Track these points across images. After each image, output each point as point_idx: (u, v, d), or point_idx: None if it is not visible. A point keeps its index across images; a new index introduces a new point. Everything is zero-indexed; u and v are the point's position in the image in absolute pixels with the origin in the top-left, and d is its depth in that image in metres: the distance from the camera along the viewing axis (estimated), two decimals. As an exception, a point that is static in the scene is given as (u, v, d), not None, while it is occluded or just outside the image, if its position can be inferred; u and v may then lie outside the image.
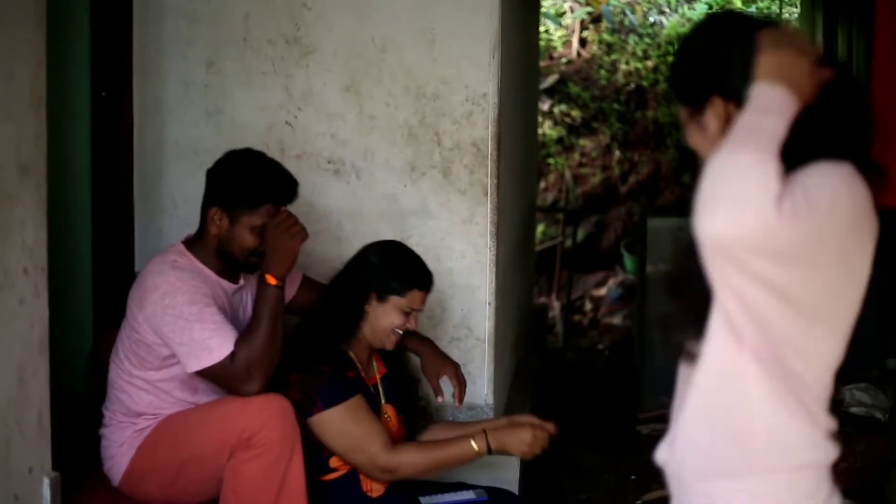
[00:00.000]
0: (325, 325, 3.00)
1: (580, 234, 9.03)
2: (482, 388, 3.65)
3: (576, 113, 9.61)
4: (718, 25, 1.67)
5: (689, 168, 9.14)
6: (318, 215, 3.64)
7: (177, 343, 2.88)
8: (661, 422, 4.42)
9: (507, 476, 3.50)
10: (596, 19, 10.06)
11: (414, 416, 3.20)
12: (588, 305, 8.93)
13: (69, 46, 3.49)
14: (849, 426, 4.11)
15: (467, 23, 3.57)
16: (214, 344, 2.85)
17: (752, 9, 9.87)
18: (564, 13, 10.13)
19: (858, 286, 1.54)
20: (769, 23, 1.68)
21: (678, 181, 9.26)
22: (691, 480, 1.60)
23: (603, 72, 9.75)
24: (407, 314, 3.01)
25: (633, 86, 9.64)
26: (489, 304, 3.68)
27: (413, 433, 3.17)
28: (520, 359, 4.90)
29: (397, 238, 3.59)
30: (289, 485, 2.85)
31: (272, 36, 3.64)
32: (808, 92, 1.54)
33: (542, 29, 8.84)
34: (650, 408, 4.85)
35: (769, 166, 1.40)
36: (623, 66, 9.74)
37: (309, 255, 3.59)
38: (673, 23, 9.95)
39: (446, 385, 3.18)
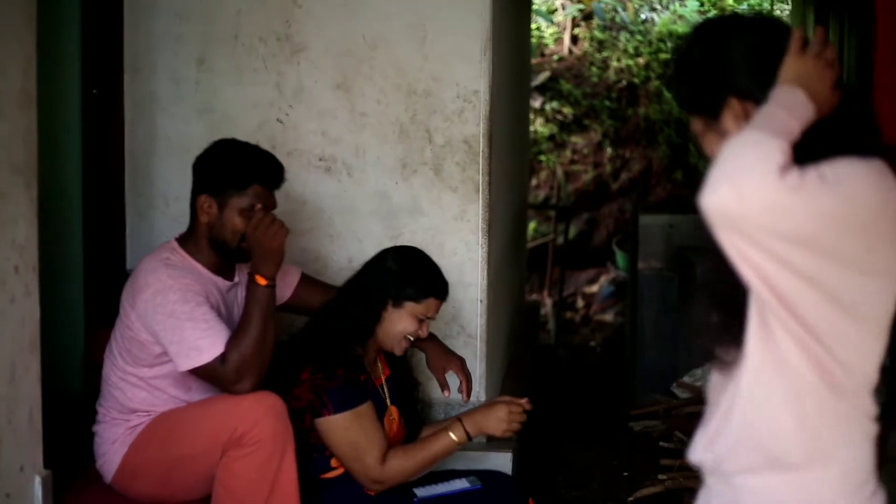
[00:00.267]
0: (342, 327, 3.00)
1: (572, 231, 9.04)
2: (474, 385, 3.64)
3: (567, 110, 9.62)
4: (716, 29, 1.66)
5: (680, 165, 9.17)
6: (310, 213, 3.64)
7: (168, 342, 2.88)
8: (652, 418, 4.44)
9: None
10: (587, 16, 10.07)
11: (416, 419, 3.22)
12: (580, 302, 8.95)
13: (60, 44, 3.49)
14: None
15: (458, 20, 3.57)
16: (205, 344, 2.85)
17: (744, 6, 9.88)
18: (556, 10, 10.13)
19: (892, 281, 1.51)
20: (762, 18, 1.69)
21: (670, 178, 9.27)
22: (736, 476, 1.59)
23: (594, 69, 9.76)
24: (421, 321, 3.03)
25: (624, 83, 9.65)
26: (481, 301, 3.68)
27: (414, 435, 3.18)
28: (512, 356, 4.91)
29: (389, 235, 3.60)
30: (281, 482, 2.85)
31: (263, 33, 3.63)
32: (826, 104, 1.54)
33: (533, 26, 8.85)
34: (642, 404, 4.85)
35: (774, 142, 1.41)
36: (614, 63, 9.75)
37: (301, 253, 3.59)
38: (664, 20, 9.96)
39: (452, 380, 3.20)
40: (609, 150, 9.50)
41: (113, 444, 3.00)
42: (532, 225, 8.85)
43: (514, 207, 5.28)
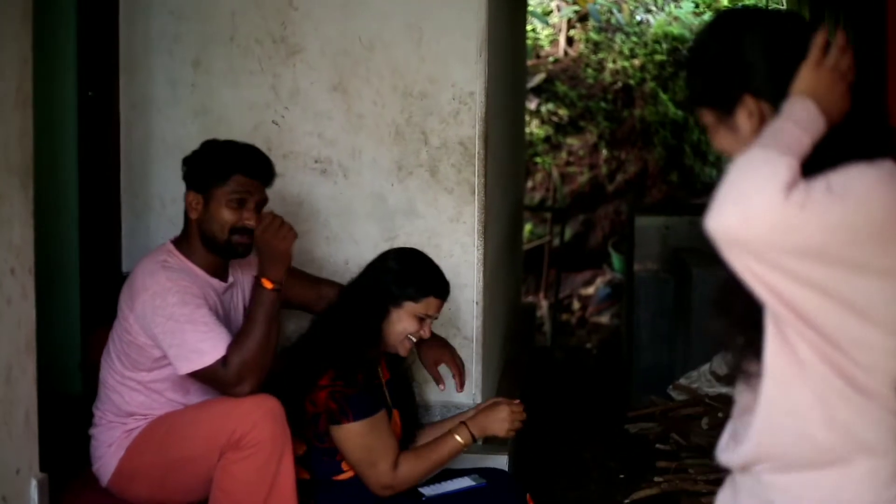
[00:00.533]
0: (354, 331, 3.00)
1: (568, 233, 9.04)
2: (470, 386, 3.65)
3: (563, 112, 9.62)
4: (734, 24, 1.63)
5: (676, 166, 9.17)
6: (306, 215, 3.63)
7: (168, 345, 2.87)
8: (649, 420, 4.43)
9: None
10: (583, 18, 10.07)
11: (414, 422, 3.23)
12: (576, 304, 8.94)
13: (55, 45, 3.49)
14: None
15: (454, 21, 3.57)
16: (206, 347, 2.84)
17: (739, 6, 9.88)
18: (551, 12, 10.13)
19: None
20: (782, 13, 1.67)
21: (665, 180, 9.27)
22: (767, 475, 1.59)
23: (590, 70, 9.76)
24: (421, 321, 3.03)
25: (620, 84, 9.65)
26: (477, 303, 3.68)
27: (412, 438, 3.19)
28: (508, 358, 4.91)
29: (385, 237, 3.60)
30: (279, 485, 2.85)
31: (259, 35, 3.63)
32: (837, 113, 1.54)
33: (529, 28, 8.84)
34: (638, 406, 4.85)
35: (781, 161, 1.40)
36: (610, 65, 9.75)
37: (297, 255, 3.58)
38: (660, 21, 9.96)
39: (446, 373, 3.21)
40: (605, 152, 9.50)
41: (109, 447, 2.99)
42: (528, 227, 8.85)
43: (509, 209, 5.28)
